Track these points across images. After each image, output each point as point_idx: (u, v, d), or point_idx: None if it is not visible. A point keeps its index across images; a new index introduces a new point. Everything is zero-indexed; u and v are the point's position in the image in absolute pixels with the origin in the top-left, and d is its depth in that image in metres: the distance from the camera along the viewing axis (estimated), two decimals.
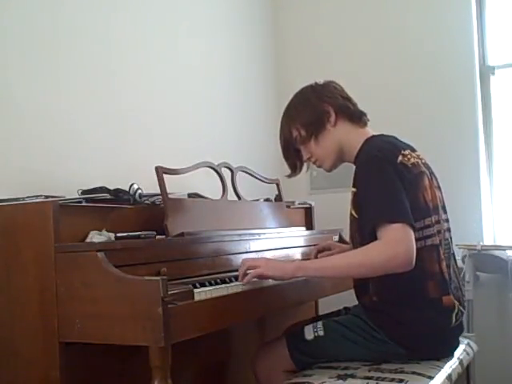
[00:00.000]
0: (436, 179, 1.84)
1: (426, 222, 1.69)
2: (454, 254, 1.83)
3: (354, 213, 1.74)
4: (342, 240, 2.57)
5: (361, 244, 1.64)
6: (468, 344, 1.98)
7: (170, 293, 1.34)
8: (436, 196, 1.78)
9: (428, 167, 1.82)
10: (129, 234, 1.64)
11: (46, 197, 1.58)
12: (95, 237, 1.60)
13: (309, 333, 1.78)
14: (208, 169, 2.13)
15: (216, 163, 2.16)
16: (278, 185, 2.53)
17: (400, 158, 1.70)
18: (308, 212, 2.80)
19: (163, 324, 1.31)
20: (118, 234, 1.63)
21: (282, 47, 3.51)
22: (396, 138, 1.82)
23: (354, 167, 1.78)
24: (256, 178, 2.40)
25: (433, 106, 3.11)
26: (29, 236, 1.53)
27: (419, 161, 1.77)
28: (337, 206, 3.01)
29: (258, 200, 2.46)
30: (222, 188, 2.17)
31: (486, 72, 3.11)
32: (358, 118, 1.86)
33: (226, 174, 2.21)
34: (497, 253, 2.82)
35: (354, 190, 1.72)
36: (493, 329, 2.92)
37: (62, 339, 1.47)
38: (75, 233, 1.59)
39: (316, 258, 2.07)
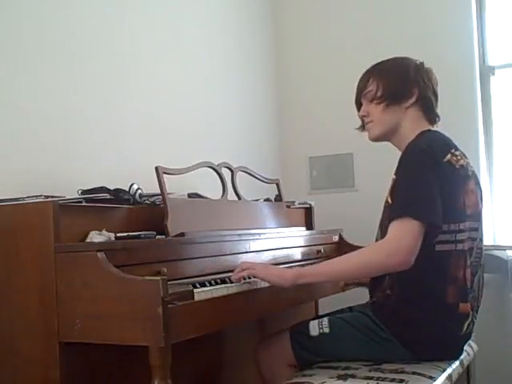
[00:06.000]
0: (481, 191, 1.79)
1: (460, 226, 1.66)
2: (483, 265, 1.78)
3: (389, 199, 1.70)
4: (342, 240, 2.57)
5: None
6: (468, 344, 1.97)
7: (169, 293, 1.34)
8: (477, 204, 1.74)
9: (475, 177, 1.78)
10: (129, 234, 1.64)
11: (46, 197, 1.57)
12: (95, 237, 1.60)
13: (314, 329, 1.77)
14: (208, 169, 2.13)
15: (216, 163, 2.16)
16: (277, 185, 2.52)
17: (448, 156, 1.67)
18: (308, 212, 2.79)
19: (163, 324, 1.31)
20: (118, 234, 1.63)
21: (281, 47, 3.50)
22: (450, 140, 1.77)
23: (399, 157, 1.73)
24: (256, 178, 2.40)
25: None
26: (29, 236, 1.53)
27: (468, 167, 1.74)
28: (337, 206, 3.01)
29: (258, 200, 2.46)
30: (222, 188, 2.17)
31: (486, 72, 3.11)
32: (431, 114, 1.83)
33: (226, 173, 2.21)
34: (497, 253, 2.82)
35: (394, 177, 1.70)
36: (493, 329, 2.92)
37: (61, 339, 1.47)
38: (75, 233, 1.60)
39: None
